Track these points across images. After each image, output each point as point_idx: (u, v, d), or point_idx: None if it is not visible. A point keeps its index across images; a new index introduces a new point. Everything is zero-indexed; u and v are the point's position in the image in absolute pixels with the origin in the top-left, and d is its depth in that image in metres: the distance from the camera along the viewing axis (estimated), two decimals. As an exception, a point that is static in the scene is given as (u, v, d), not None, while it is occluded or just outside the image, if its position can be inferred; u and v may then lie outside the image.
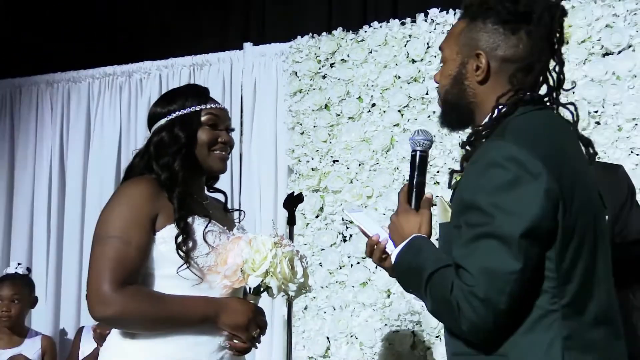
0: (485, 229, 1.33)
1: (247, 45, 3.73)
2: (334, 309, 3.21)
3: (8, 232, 4.14)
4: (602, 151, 2.78)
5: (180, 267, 1.78)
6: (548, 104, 1.52)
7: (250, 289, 1.86)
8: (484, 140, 1.46)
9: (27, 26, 4.34)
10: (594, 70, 2.81)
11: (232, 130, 2.01)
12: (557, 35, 1.47)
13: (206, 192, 2.07)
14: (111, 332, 1.90)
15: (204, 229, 1.83)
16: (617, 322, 1.49)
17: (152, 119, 1.97)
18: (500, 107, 1.46)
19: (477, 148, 1.47)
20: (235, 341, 1.82)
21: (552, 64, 1.50)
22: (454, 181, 1.58)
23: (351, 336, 3.14)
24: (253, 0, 3.92)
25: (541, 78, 1.51)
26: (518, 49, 1.45)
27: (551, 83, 1.51)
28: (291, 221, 2.65)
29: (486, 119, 1.47)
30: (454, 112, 1.56)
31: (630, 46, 2.81)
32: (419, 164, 1.61)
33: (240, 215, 2.12)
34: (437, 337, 2.95)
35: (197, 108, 1.93)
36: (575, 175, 1.40)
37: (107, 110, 4.04)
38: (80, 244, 3.91)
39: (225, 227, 1.95)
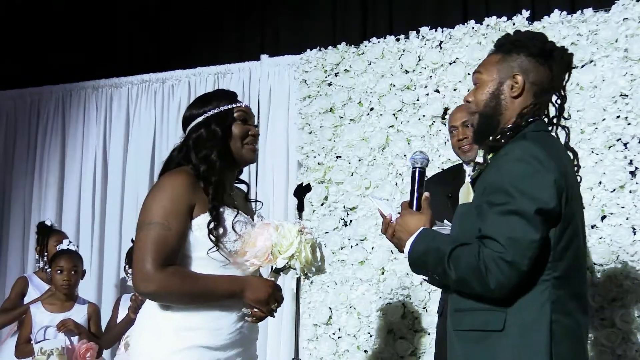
0: (509, 207, 1.48)
1: (264, 56, 3.82)
2: (336, 284, 3.25)
3: (60, 215, 4.24)
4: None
5: (210, 249, 1.79)
6: (550, 126, 1.70)
7: (272, 267, 1.90)
8: (503, 141, 1.64)
9: (76, 39, 4.42)
10: (561, 81, 2.89)
11: (257, 125, 2.04)
12: (568, 73, 1.67)
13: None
14: (145, 303, 1.94)
15: (233, 219, 1.84)
16: (587, 298, 1.67)
17: (188, 119, 1.98)
18: (522, 116, 1.64)
19: (501, 147, 1.64)
20: (256, 310, 1.84)
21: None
22: (475, 172, 1.72)
23: (350, 307, 3.19)
24: (268, 17, 4.02)
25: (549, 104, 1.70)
26: (543, 76, 1.65)
27: (553, 111, 1.70)
28: (300, 208, 2.69)
29: (510, 125, 1.65)
30: (487, 122, 1.72)
31: (591, 61, 2.84)
32: (419, 178, 1.75)
33: (257, 205, 2.14)
34: (424, 308, 3.02)
35: (230, 107, 1.94)
36: (571, 179, 1.58)
37: (143, 112, 4.14)
38: (119, 226, 4.02)
39: (249, 216, 1.96)
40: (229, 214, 1.85)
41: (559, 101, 1.68)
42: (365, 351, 3.13)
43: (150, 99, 4.14)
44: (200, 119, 1.94)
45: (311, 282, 3.29)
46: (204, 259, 1.83)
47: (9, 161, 4.51)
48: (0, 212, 4.46)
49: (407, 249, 1.64)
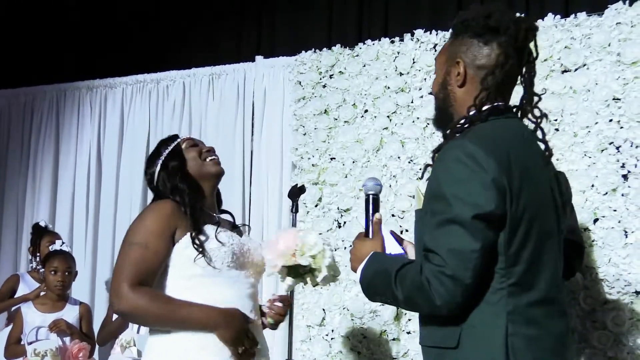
0: (446, 216, 1.34)
1: (259, 58, 3.79)
2: (329, 285, 3.25)
3: (53, 215, 4.23)
4: (560, 154, 2.81)
5: (196, 256, 1.80)
6: (519, 113, 1.50)
7: (288, 272, 1.89)
8: (446, 139, 1.47)
9: (70, 39, 4.42)
10: (554, 84, 2.87)
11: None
12: (523, 44, 1.43)
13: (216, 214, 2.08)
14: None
15: (216, 231, 1.87)
16: (562, 302, 1.49)
17: (150, 177, 2.06)
18: (474, 110, 1.45)
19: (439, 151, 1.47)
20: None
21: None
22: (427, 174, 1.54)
23: (343, 308, 3.17)
24: (264, 19, 3.99)
25: (513, 85, 1.48)
26: (490, 58, 1.44)
27: (523, 99, 1.50)
28: (295, 209, 2.65)
29: (462, 120, 1.47)
30: (441, 117, 1.58)
31: (585, 65, 2.82)
32: (373, 204, 1.71)
33: (247, 228, 2.16)
34: (416, 310, 3.00)
35: (174, 143, 2.04)
36: (527, 173, 1.39)
37: (138, 113, 4.13)
38: (113, 226, 4.02)
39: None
40: (211, 228, 1.88)
41: (523, 86, 1.47)
42: (359, 352, 3.11)
43: (145, 99, 4.13)
44: (158, 168, 2.02)
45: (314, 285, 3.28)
46: (197, 276, 1.83)
47: (2, 160, 4.50)
48: None
49: (358, 276, 1.53)
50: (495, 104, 1.43)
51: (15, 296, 3.43)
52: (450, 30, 1.53)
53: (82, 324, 3.27)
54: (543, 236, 1.42)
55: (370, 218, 1.67)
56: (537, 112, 1.46)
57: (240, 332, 1.79)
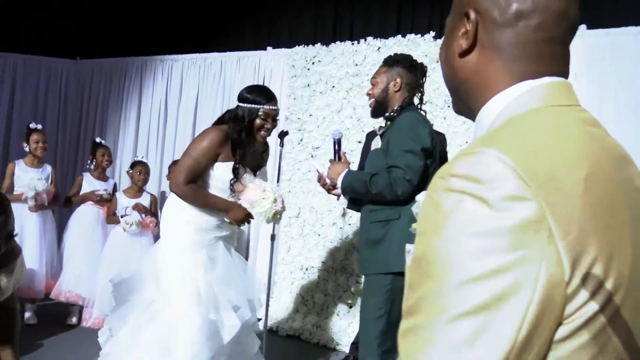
0: (405, 147, 1.88)
1: (269, 48, 4.39)
2: (304, 193, 3.88)
3: (135, 143, 4.96)
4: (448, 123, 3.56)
5: (230, 187, 2.14)
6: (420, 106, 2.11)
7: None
8: (395, 115, 1.98)
9: (151, 25, 4.84)
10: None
11: (277, 120, 2.23)
12: (424, 78, 2.14)
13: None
14: (169, 200, 2.29)
15: (242, 174, 2.14)
16: None
17: (240, 96, 2.20)
18: (402, 102, 2.02)
19: (394, 120, 1.99)
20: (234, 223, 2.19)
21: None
22: (382, 130, 2.03)
23: (312, 208, 3.86)
24: (273, 22, 4.49)
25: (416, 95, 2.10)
26: (413, 80, 2.07)
27: (418, 99, 2.14)
28: (281, 144, 2.98)
29: (396, 107, 2.03)
30: (380, 106, 2.09)
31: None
32: (338, 144, 2.15)
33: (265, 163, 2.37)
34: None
35: (259, 106, 2.16)
36: (436, 136, 2.02)
37: (191, 79, 4.65)
38: (172, 150, 4.65)
39: (258, 165, 2.26)
40: (241, 171, 2.16)
41: (419, 94, 2.16)
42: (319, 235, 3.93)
43: (196, 71, 4.66)
44: (244, 104, 2.19)
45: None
46: (217, 188, 2.20)
47: (105, 107, 5.11)
48: (95, 134, 4.92)
49: (339, 182, 2.01)
50: (412, 101, 2.12)
51: (82, 191, 3.94)
52: (383, 63, 2.12)
53: (151, 207, 3.93)
54: (432, 168, 1.99)
55: (337, 152, 2.10)
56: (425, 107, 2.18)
57: (244, 214, 2.22)
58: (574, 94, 0.63)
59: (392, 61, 2.12)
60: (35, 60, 5.15)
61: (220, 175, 2.17)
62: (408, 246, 0.82)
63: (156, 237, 3.74)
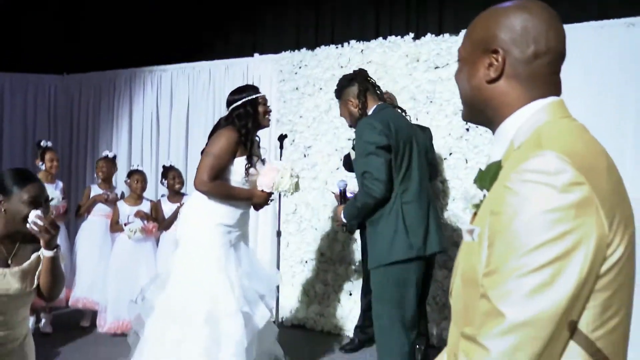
0: (367, 151, 2.06)
1: (256, 54, 4.53)
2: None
3: (129, 152, 5.05)
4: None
5: (244, 177, 2.33)
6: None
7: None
8: (357, 122, 2.19)
9: (139, 37, 4.86)
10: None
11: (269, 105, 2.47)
12: (367, 77, 2.33)
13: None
14: (191, 199, 2.45)
15: (255, 162, 2.36)
16: (426, 203, 2.13)
17: (231, 101, 2.39)
18: (358, 110, 2.20)
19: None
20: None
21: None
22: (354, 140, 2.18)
23: (307, 202, 4.06)
24: (259, 29, 4.57)
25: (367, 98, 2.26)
26: (358, 89, 2.28)
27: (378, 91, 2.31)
28: (281, 147, 3.37)
29: (357, 115, 2.24)
30: (349, 117, 2.33)
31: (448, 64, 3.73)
32: (344, 193, 2.39)
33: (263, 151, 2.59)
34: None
35: (255, 96, 2.41)
36: (399, 131, 2.12)
37: (181, 88, 4.74)
38: (167, 156, 4.65)
39: (260, 156, 2.47)
40: (255, 160, 2.39)
41: (375, 89, 2.36)
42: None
43: (185, 80, 4.77)
44: (239, 102, 2.40)
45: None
46: (237, 183, 2.39)
47: (96, 117, 5.18)
48: (88, 148, 5.08)
49: (343, 218, 2.25)
50: (380, 102, 2.32)
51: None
52: (336, 87, 2.35)
53: (152, 212, 4.04)
54: (410, 159, 2.14)
55: (342, 197, 2.35)
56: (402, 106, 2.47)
57: (265, 197, 2.46)
58: (567, 108, 0.85)
59: (338, 92, 2.37)
60: (22, 78, 5.16)
61: (239, 169, 2.36)
62: None
63: (157, 240, 3.95)
